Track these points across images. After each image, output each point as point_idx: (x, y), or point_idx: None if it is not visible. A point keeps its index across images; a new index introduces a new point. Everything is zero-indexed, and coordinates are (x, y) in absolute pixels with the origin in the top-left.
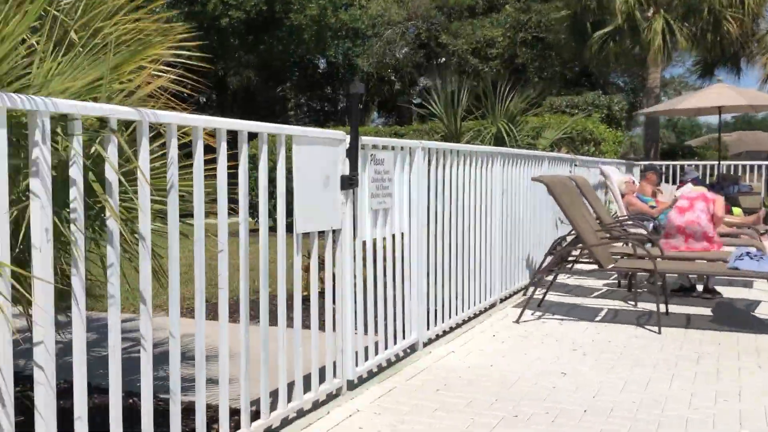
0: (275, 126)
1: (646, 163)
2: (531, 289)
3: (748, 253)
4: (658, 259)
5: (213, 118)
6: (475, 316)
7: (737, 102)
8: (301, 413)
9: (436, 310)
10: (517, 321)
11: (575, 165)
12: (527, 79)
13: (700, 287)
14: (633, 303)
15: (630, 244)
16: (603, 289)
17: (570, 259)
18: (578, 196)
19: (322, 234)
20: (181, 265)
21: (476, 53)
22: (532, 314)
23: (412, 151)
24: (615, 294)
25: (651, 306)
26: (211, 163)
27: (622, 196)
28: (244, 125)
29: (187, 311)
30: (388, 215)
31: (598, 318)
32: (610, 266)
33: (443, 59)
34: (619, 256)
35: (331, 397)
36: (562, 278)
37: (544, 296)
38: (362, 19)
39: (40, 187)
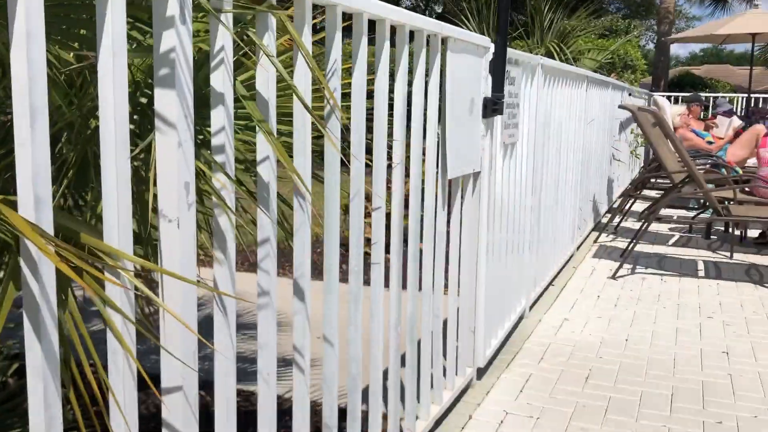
0: (435, 22)
1: (689, 94)
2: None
3: None
4: None
5: None
6: (559, 271)
7: None
8: (437, 421)
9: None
10: (613, 277)
11: (630, 94)
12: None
13: None
14: (728, 255)
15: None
16: (676, 236)
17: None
18: (659, 130)
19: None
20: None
21: None
22: (625, 268)
23: (533, 69)
24: (695, 242)
25: (746, 257)
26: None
27: (675, 130)
28: (402, 15)
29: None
30: (515, 151)
31: (701, 274)
32: (735, 216)
33: None
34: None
35: (462, 392)
36: (628, 223)
37: (632, 246)
38: None
39: (177, 106)
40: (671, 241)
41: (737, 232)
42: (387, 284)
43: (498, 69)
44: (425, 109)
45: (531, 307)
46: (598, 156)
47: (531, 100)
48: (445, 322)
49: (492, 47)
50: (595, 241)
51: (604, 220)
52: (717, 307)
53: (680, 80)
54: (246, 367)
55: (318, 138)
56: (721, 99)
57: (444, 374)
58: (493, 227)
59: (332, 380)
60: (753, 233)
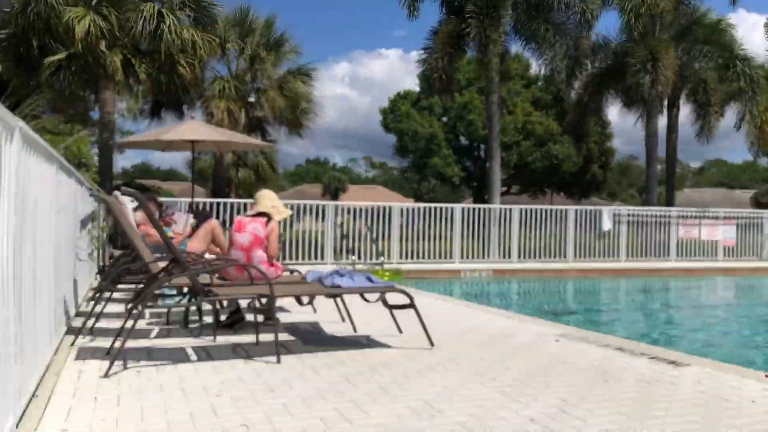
0: None
1: (147, 193)
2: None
3: (337, 272)
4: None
5: None
6: (40, 379)
7: (212, 137)
8: None
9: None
10: (106, 375)
11: (90, 190)
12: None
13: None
14: (212, 338)
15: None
16: (156, 329)
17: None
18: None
19: None
20: None
21: None
22: (116, 366)
23: (12, 129)
24: (177, 332)
25: (228, 338)
26: None
27: (138, 226)
28: None
29: None
30: None
31: (194, 358)
32: (221, 296)
33: None
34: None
35: None
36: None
37: (122, 343)
38: None
39: None
40: (153, 334)
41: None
42: None
43: None
44: None
45: (18, 425)
46: (66, 252)
47: (11, 165)
48: None
49: None
50: (72, 344)
51: (76, 324)
52: (220, 385)
53: (127, 185)
54: None
55: None
56: (170, 202)
57: None
58: None
59: None
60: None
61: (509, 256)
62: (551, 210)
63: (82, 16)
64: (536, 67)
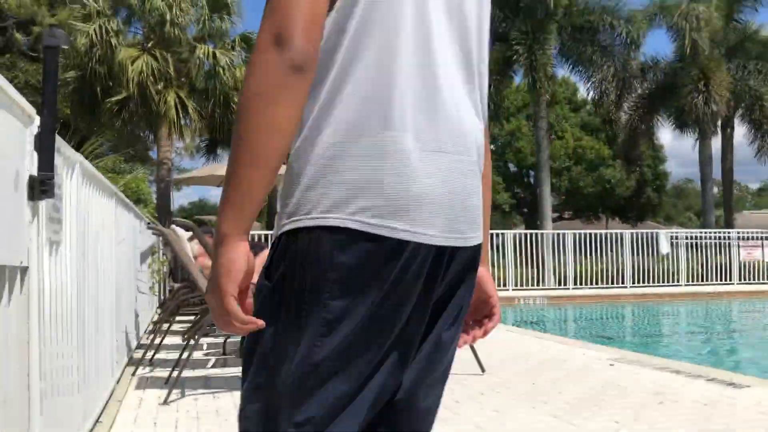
0: None
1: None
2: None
3: None
4: None
5: None
6: (104, 406)
7: None
8: None
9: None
10: (165, 402)
11: (148, 224)
12: None
13: None
14: None
15: None
16: (212, 359)
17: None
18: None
19: None
20: None
21: None
22: (175, 393)
23: (73, 164)
24: (234, 362)
25: None
26: None
27: (195, 258)
28: None
29: None
30: (60, 253)
31: None
32: None
33: None
34: None
35: None
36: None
37: (179, 372)
38: None
39: None
40: (210, 364)
41: None
42: None
43: (47, 144)
44: None
45: None
46: (128, 285)
47: (72, 198)
48: None
49: (38, 119)
50: (133, 375)
51: (137, 355)
52: None
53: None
54: None
55: None
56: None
57: None
58: (45, 341)
59: None
60: None
61: (565, 283)
62: (606, 234)
63: (136, 58)
64: (584, 90)
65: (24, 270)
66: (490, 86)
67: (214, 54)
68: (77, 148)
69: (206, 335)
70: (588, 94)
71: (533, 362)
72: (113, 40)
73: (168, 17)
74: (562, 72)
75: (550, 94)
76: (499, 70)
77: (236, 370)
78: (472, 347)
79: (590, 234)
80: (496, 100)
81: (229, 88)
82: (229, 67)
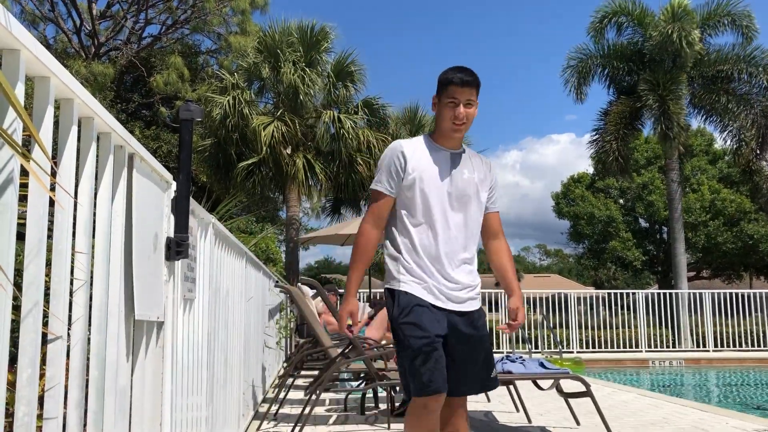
0: (122, 128)
1: (326, 285)
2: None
3: (507, 357)
4: None
5: None
6: None
7: None
8: None
9: None
10: None
11: (276, 282)
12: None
13: None
14: (386, 426)
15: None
16: (334, 416)
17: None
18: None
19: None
20: None
21: None
22: None
23: (206, 225)
24: (354, 419)
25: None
26: None
27: (319, 315)
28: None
29: None
30: (192, 310)
31: None
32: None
33: None
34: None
35: None
36: (285, 410)
37: (301, 427)
38: None
39: None
40: (332, 420)
41: (385, 405)
42: None
43: (182, 207)
44: (110, 228)
45: None
46: (255, 339)
47: (205, 257)
48: None
49: (174, 184)
50: (258, 429)
51: (262, 409)
52: None
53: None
54: None
55: None
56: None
57: None
58: (177, 392)
59: None
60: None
61: (704, 345)
62: (748, 294)
63: (267, 124)
64: (720, 140)
65: (160, 325)
66: (616, 140)
67: (339, 118)
68: (212, 209)
69: (327, 390)
70: (725, 143)
71: (669, 430)
72: (245, 110)
73: (301, 89)
74: (696, 122)
75: (684, 144)
76: (626, 123)
77: (356, 428)
78: (599, 410)
79: (730, 293)
80: (623, 152)
81: (353, 150)
82: (352, 129)
